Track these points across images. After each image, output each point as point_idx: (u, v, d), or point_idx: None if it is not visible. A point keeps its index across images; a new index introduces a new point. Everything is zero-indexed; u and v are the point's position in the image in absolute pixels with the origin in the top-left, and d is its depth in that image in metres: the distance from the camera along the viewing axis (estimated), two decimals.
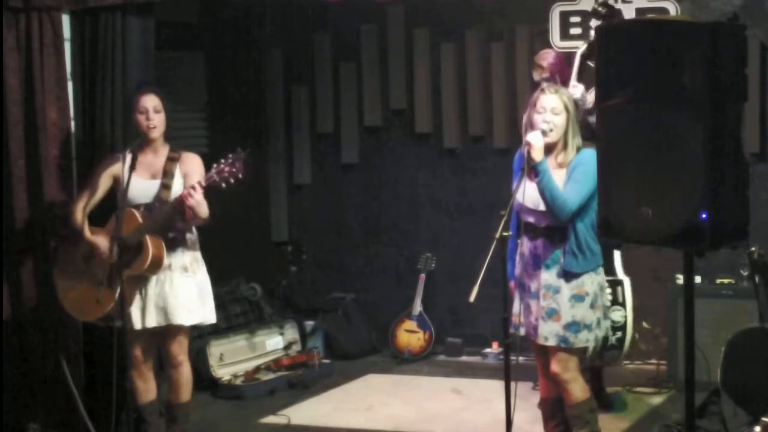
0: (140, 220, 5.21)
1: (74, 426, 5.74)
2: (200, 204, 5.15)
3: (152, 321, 5.29)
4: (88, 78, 5.81)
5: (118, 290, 5.10)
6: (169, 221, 5.25)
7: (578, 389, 4.94)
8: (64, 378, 5.65)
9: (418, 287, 7.69)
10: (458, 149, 7.79)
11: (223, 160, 5.12)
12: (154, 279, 5.27)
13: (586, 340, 4.86)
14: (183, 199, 5.12)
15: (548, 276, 4.85)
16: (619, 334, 5.82)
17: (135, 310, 5.28)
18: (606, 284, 5.01)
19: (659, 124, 3.59)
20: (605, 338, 5.26)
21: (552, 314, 4.84)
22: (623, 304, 5.88)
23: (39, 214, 5.73)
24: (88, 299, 5.31)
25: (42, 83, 5.69)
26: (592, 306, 4.86)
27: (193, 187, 5.09)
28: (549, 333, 4.85)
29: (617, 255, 5.95)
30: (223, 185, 5.10)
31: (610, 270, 5.84)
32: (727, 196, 3.54)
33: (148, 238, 5.17)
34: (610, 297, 5.83)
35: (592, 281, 4.86)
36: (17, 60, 5.69)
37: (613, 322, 5.79)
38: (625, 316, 5.87)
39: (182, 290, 5.31)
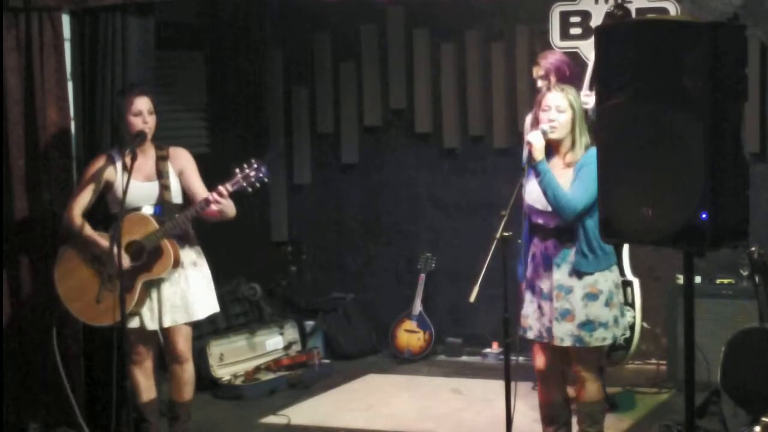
0: (155, 224, 5.20)
1: (74, 426, 5.74)
2: (228, 206, 5.21)
3: (168, 321, 5.29)
4: (88, 78, 5.81)
5: (119, 291, 5.09)
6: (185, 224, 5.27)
7: (595, 388, 4.97)
8: (61, 379, 5.64)
9: (418, 287, 7.69)
10: (458, 149, 7.78)
11: (246, 165, 5.15)
12: (168, 279, 5.27)
13: (603, 338, 4.86)
14: (208, 203, 5.14)
15: (560, 276, 4.84)
16: (627, 334, 5.84)
17: (146, 312, 5.28)
18: (620, 282, 5.01)
19: (659, 124, 3.59)
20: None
21: (565, 315, 4.83)
22: (632, 305, 5.89)
23: (39, 214, 5.73)
24: (96, 303, 5.29)
25: (42, 83, 5.69)
26: (607, 304, 4.84)
27: (220, 194, 5.11)
28: (564, 333, 4.84)
29: (626, 256, 5.96)
30: (250, 190, 5.16)
31: (619, 271, 5.84)
32: (727, 196, 3.54)
33: (166, 242, 5.18)
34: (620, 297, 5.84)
35: (606, 279, 4.85)
36: (17, 60, 5.69)
37: None
38: (635, 317, 5.88)
39: (196, 285, 5.35)
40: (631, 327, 5.87)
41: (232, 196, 5.19)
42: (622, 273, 5.89)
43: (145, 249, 5.16)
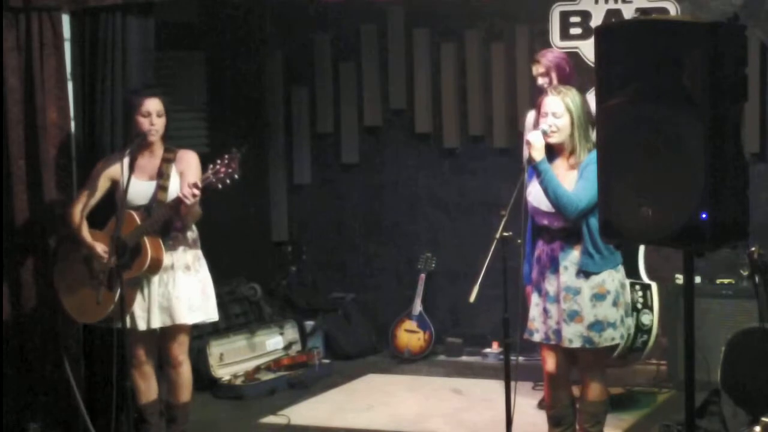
0: (138, 221, 5.21)
1: (74, 426, 5.74)
2: (195, 204, 5.16)
3: (157, 321, 5.29)
4: (88, 78, 5.81)
5: (105, 289, 5.11)
6: (168, 221, 5.25)
7: (600, 389, 4.97)
8: (66, 377, 5.65)
9: (418, 287, 7.69)
10: (458, 149, 7.79)
11: (219, 161, 5.07)
12: (156, 279, 5.26)
13: (612, 338, 4.85)
14: (180, 200, 5.11)
15: (567, 278, 4.82)
16: (645, 337, 5.85)
17: (138, 311, 5.28)
18: (627, 282, 5.00)
19: (659, 124, 3.59)
20: (633, 339, 5.26)
21: (574, 316, 4.81)
22: (651, 308, 5.91)
23: (39, 214, 5.73)
24: (89, 301, 5.32)
25: (42, 83, 5.68)
26: (615, 304, 4.83)
27: (190, 188, 5.06)
28: (573, 335, 4.82)
29: (641, 260, 5.96)
30: (220, 186, 5.07)
31: (635, 274, 5.84)
32: (727, 196, 3.54)
33: (146, 240, 5.17)
34: (641, 300, 5.85)
35: (613, 279, 4.84)
36: (17, 60, 5.69)
37: (642, 324, 5.81)
38: (652, 320, 5.90)
39: (185, 289, 5.31)
40: (649, 330, 5.89)
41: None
42: (638, 276, 5.90)
43: (127, 246, 5.15)
